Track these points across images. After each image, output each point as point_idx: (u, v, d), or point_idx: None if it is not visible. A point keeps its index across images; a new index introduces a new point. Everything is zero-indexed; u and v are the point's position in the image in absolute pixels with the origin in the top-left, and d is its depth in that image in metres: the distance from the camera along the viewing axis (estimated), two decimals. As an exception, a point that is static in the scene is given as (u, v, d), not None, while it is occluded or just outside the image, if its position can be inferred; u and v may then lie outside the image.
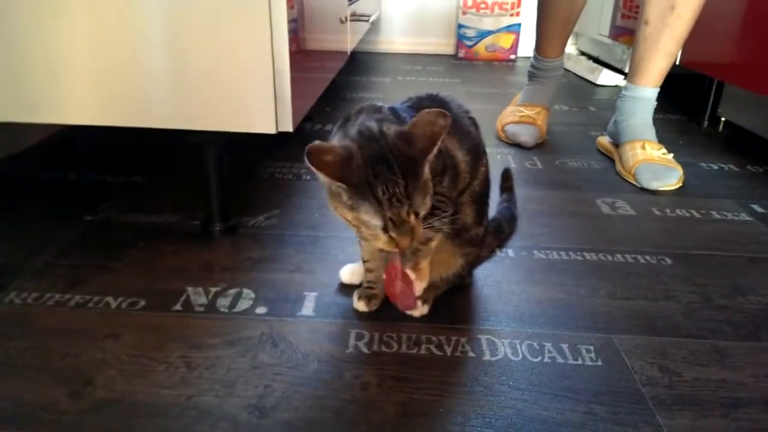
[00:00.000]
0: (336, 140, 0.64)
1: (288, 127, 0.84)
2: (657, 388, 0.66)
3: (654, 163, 1.27)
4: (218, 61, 0.81)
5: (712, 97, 1.73)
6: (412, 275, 0.74)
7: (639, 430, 0.60)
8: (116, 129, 0.85)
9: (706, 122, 1.76)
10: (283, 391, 0.64)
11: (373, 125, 0.62)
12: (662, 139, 1.34)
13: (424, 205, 0.61)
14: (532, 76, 1.60)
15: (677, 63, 1.66)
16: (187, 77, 0.82)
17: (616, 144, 1.39)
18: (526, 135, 1.49)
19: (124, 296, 0.80)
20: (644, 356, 0.72)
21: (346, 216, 0.62)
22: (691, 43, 1.62)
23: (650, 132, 1.34)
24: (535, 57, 1.58)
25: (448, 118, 0.60)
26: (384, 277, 0.75)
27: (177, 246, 0.94)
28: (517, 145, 1.50)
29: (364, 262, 0.79)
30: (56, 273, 0.85)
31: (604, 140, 1.47)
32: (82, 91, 0.83)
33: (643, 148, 1.30)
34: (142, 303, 0.79)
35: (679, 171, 1.27)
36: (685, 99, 1.91)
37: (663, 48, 1.29)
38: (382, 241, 0.62)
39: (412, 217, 0.60)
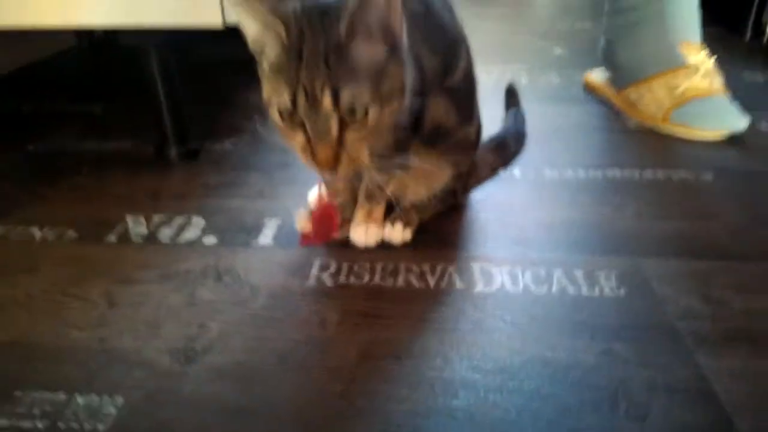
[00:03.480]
0: None
1: (238, 19, 0.69)
2: (697, 322, 0.52)
3: None
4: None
5: (756, 3, 1.51)
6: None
7: (672, 374, 0.46)
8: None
9: (749, 33, 1.54)
10: (220, 332, 0.51)
11: None
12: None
13: (351, 91, 0.44)
14: None
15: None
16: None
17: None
18: None
19: (51, 226, 0.67)
20: (680, 284, 0.57)
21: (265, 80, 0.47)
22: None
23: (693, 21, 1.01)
24: None
25: None
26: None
27: (126, 173, 0.81)
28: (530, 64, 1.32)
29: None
30: (-21, 204, 0.73)
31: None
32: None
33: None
34: (71, 234, 0.66)
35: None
36: (722, 9, 1.68)
37: None
38: (295, 139, 0.46)
39: (328, 98, 0.43)
